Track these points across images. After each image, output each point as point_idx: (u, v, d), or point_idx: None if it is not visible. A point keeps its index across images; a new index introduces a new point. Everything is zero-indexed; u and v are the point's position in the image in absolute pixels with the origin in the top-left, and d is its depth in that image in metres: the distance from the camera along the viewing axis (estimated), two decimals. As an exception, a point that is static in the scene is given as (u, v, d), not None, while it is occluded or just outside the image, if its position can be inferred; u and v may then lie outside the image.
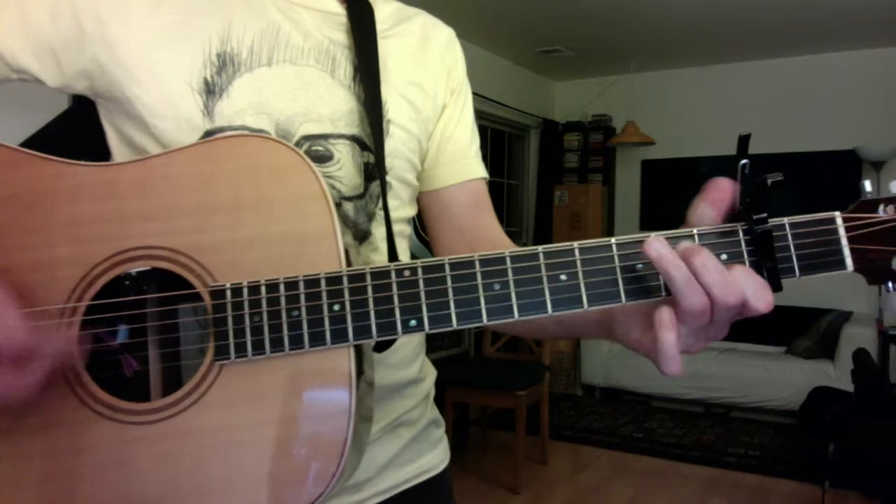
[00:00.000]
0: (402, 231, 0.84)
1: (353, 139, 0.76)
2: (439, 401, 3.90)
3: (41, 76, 0.69)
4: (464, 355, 4.91)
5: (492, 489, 3.79)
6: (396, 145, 0.79)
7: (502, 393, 3.79)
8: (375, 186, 0.77)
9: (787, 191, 5.19)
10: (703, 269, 0.52)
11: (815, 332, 4.99)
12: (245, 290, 0.59)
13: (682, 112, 5.86)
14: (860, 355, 3.80)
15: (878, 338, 4.47)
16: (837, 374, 4.60)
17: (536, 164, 6.25)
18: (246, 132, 0.69)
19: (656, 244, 0.53)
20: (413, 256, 0.85)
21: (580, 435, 4.70)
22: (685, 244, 0.54)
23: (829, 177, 5.18)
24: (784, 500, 3.65)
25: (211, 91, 0.69)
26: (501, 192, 6.15)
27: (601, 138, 6.15)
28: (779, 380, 4.79)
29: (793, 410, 4.62)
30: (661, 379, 5.17)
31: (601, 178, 6.18)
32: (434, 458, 0.87)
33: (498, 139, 6.03)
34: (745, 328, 5.46)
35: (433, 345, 4.43)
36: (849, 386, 4.00)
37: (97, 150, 0.76)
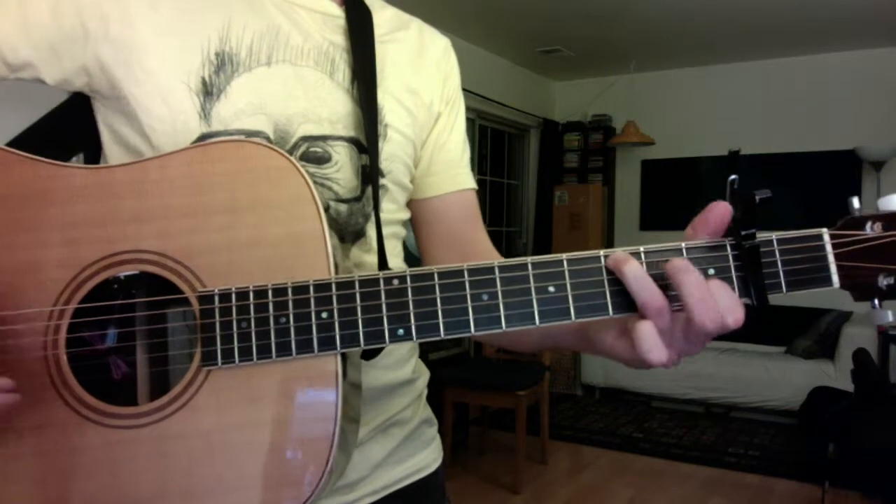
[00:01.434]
0: (398, 233, 0.84)
1: (352, 141, 0.76)
2: (439, 401, 3.86)
3: (41, 73, 0.69)
4: (464, 355, 4.91)
5: (492, 489, 3.79)
6: (394, 149, 0.79)
7: (502, 393, 3.79)
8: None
9: (788, 191, 5.21)
10: (683, 284, 0.53)
11: (815, 332, 4.99)
12: (233, 296, 0.59)
13: (682, 112, 5.85)
14: (860, 355, 3.79)
15: (878, 338, 4.47)
16: (837, 374, 4.60)
17: (536, 164, 6.25)
18: (241, 137, 0.69)
19: (614, 254, 0.56)
20: (411, 255, 0.85)
21: (580, 435, 4.70)
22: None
23: (829, 177, 5.18)
24: (784, 500, 3.65)
25: (209, 92, 0.69)
26: (501, 192, 6.15)
27: (601, 138, 6.15)
28: (779, 380, 4.79)
29: (793, 410, 4.62)
30: (661, 379, 5.17)
31: (601, 178, 6.18)
32: (427, 456, 0.87)
33: (498, 139, 6.03)
34: (745, 328, 5.53)
35: (433, 344, 4.43)
36: (849, 386, 3.99)
37: (92, 145, 0.75)
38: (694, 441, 4.57)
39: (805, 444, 4.34)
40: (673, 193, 5.82)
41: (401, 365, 0.83)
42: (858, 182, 5.14)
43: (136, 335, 0.62)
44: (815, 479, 3.69)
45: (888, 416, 3.54)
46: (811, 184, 5.18)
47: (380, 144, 0.77)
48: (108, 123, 0.73)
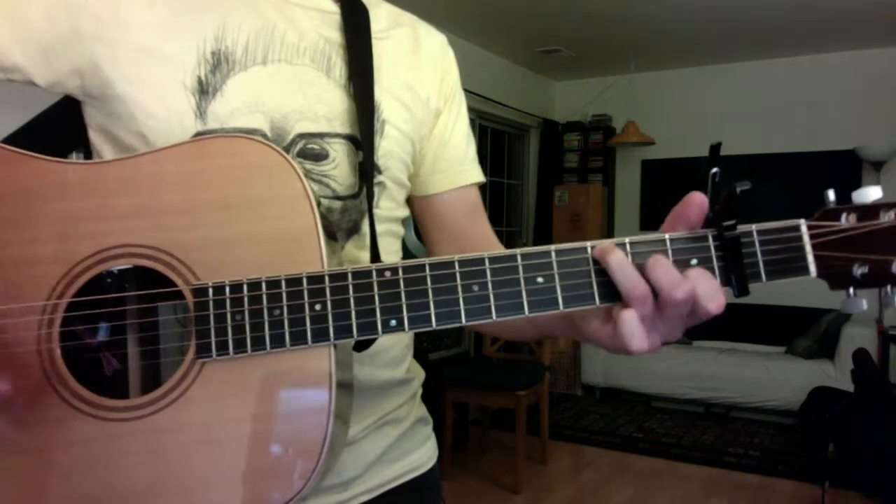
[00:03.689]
0: (395, 231, 0.84)
1: (349, 138, 0.76)
2: (439, 401, 3.84)
3: (32, 76, 0.69)
4: (464, 355, 4.91)
5: (492, 489, 3.79)
6: (391, 146, 0.79)
7: (502, 393, 3.80)
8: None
9: (788, 191, 5.21)
10: (653, 268, 0.56)
11: (815, 332, 4.99)
12: (227, 289, 0.59)
13: (682, 112, 5.86)
14: (860, 355, 3.79)
15: (878, 338, 4.48)
16: (837, 374, 4.60)
17: (536, 164, 6.25)
18: (234, 133, 0.69)
19: (600, 245, 0.58)
20: (410, 255, 0.86)
21: (580, 435, 4.70)
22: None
23: (829, 177, 5.18)
24: (784, 500, 3.65)
25: (204, 91, 0.69)
26: (501, 192, 6.15)
27: (601, 138, 6.16)
28: (779, 380, 4.79)
29: (793, 410, 4.63)
30: (661, 379, 5.18)
31: (601, 178, 6.18)
32: (422, 455, 0.87)
33: (498, 139, 6.04)
34: (746, 328, 5.41)
35: (433, 345, 4.43)
36: (849, 386, 3.99)
37: (86, 144, 0.75)
38: (694, 441, 4.57)
39: (805, 444, 4.35)
40: (673, 193, 5.70)
41: (395, 365, 0.83)
42: (858, 182, 5.14)
43: (130, 328, 0.63)
44: (815, 479, 3.69)
45: (888, 416, 3.54)
46: (811, 184, 5.17)
47: (377, 141, 0.77)
48: (99, 127, 0.73)
